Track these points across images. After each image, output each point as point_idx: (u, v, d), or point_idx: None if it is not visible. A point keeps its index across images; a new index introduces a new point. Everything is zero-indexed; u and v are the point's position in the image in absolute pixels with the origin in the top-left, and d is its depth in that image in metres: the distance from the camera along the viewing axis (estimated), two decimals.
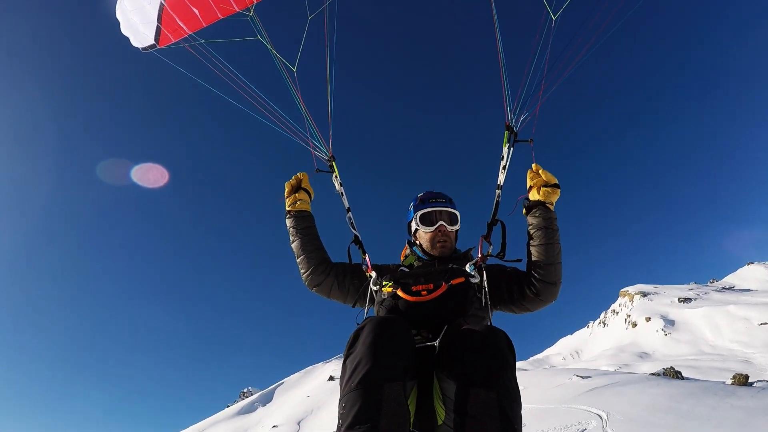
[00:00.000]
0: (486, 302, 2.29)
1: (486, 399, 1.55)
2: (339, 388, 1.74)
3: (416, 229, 2.58)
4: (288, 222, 2.67)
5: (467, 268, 2.29)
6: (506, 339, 1.75)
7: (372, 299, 2.39)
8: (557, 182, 2.38)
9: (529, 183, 2.42)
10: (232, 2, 3.09)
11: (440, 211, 2.52)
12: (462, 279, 2.23)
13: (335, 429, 1.65)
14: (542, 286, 2.28)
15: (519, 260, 2.40)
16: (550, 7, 2.59)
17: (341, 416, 1.61)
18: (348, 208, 2.76)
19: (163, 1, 3.05)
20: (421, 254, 2.54)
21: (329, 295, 2.55)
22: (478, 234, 2.50)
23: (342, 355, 1.81)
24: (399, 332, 1.75)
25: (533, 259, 2.33)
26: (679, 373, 14.59)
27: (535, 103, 2.54)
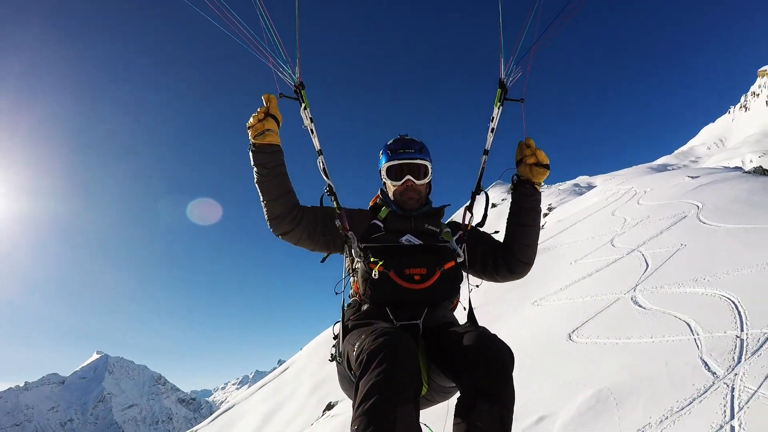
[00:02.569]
0: (465, 276, 2.31)
1: (490, 412, 1.66)
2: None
3: (385, 182, 2.44)
4: (254, 158, 2.15)
5: (452, 242, 2.23)
6: (510, 354, 1.80)
7: (351, 263, 2.26)
8: (548, 163, 2.30)
9: (518, 156, 2.29)
10: None
11: (408, 164, 2.31)
12: (453, 263, 2.14)
13: None
14: (517, 265, 2.32)
15: (497, 232, 2.42)
16: None
17: None
18: (319, 150, 2.24)
19: None
20: (394, 207, 2.35)
21: (297, 243, 2.32)
22: (460, 198, 2.59)
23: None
24: (411, 356, 1.72)
25: (514, 237, 2.31)
26: (767, 171, 16.91)
27: (528, 61, 2.33)
